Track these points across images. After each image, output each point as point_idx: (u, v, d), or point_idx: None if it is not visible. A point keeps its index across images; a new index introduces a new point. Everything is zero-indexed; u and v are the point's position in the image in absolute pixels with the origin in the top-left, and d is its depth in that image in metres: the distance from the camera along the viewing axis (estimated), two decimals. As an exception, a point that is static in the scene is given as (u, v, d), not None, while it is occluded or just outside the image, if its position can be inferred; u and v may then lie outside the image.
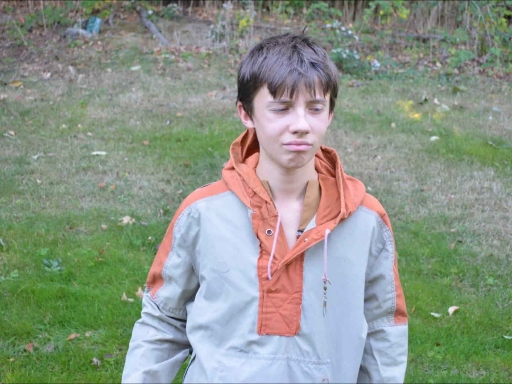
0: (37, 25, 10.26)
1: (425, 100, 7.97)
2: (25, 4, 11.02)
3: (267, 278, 1.62)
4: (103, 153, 6.18)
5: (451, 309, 3.96)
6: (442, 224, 5.05)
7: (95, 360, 3.40)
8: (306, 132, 1.57)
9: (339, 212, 1.65)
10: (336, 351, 1.68)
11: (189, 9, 11.35)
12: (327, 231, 1.61)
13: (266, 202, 1.65)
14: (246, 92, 1.63)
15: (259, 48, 1.62)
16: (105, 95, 7.80)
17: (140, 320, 1.82)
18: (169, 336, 1.79)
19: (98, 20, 10.25)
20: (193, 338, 1.72)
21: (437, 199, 5.46)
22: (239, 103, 1.68)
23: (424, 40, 10.38)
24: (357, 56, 9.10)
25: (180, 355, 1.81)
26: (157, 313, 1.79)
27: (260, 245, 1.63)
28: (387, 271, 1.75)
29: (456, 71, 9.17)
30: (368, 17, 9.73)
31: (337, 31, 9.73)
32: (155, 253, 4.51)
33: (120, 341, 3.58)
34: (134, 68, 8.76)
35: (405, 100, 8.00)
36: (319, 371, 1.66)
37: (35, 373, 3.30)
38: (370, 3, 9.74)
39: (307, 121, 1.57)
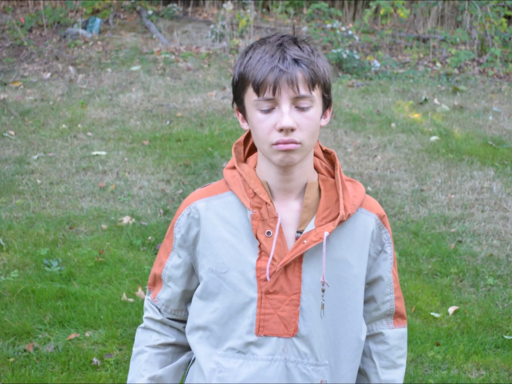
0: (37, 25, 10.26)
1: (425, 100, 7.97)
2: (25, 4, 11.02)
3: (265, 280, 1.62)
4: (103, 153, 6.18)
5: (451, 309, 3.96)
6: (442, 224, 5.05)
7: (95, 360, 3.40)
8: (292, 129, 1.57)
9: (338, 214, 1.65)
10: (335, 352, 1.68)
11: (189, 9, 11.36)
12: (326, 233, 1.61)
13: (266, 203, 1.64)
14: (237, 93, 1.66)
15: (248, 49, 1.65)
16: (105, 95, 7.80)
17: (142, 325, 1.82)
18: (172, 339, 1.79)
19: (98, 20, 10.25)
20: (192, 339, 1.73)
21: (437, 199, 5.46)
22: (235, 106, 1.70)
23: (424, 40, 10.38)
24: (357, 56, 9.10)
25: (184, 357, 1.81)
26: (158, 316, 1.79)
27: (259, 246, 1.63)
28: (386, 273, 1.75)
29: (456, 71, 9.17)
30: (368, 17, 9.73)
31: (337, 31, 9.73)
32: (155, 253, 4.52)
33: (120, 341, 3.58)
34: (134, 68, 8.76)
35: (405, 100, 8.00)
36: (317, 373, 1.66)
37: (35, 373, 3.30)
38: (371, 3, 9.74)
39: (292, 118, 1.56)
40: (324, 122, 1.68)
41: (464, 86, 8.56)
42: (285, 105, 1.56)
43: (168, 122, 7.03)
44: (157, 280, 1.80)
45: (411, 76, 8.97)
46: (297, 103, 1.58)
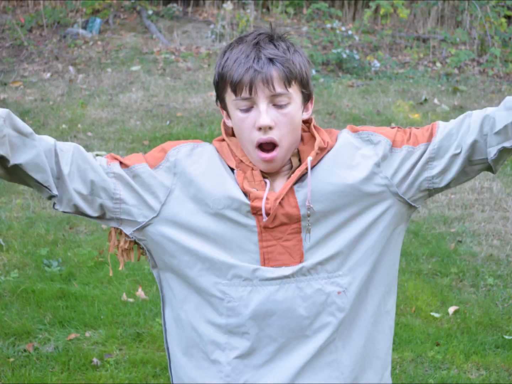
0: (37, 25, 10.26)
1: (425, 100, 7.97)
2: (25, 4, 11.01)
3: (262, 216, 1.62)
4: (103, 153, 6.18)
5: (451, 309, 3.96)
6: (442, 224, 5.05)
7: (95, 360, 3.40)
8: (270, 128, 1.60)
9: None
10: (348, 260, 1.65)
11: (189, 9, 11.36)
12: (309, 158, 1.62)
13: (252, 168, 1.66)
14: (218, 92, 1.69)
15: (226, 49, 1.67)
16: (105, 95, 7.80)
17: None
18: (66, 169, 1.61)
19: (98, 20, 10.25)
20: (191, 273, 1.66)
21: (437, 199, 5.46)
22: (219, 104, 1.72)
23: (424, 40, 10.38)
24: (357, 56, 9.10)
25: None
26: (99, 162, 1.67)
27: (249, 195, 1.62)
28: (404, 143, 1.68)
29: (456, 71, 9.16)
30: (368, 17, 9.73)
31: (337, 31, 9.73)
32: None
33: (120, 341, 3.58)
34: (134, 68, 8.76)
35: (405, 100, 8.00)
36: (332, 285, 1.63)
37: (35, 373, 3.30)
38: (370, 3, 9.74)
39: (269, 116, 1.59)
40: (306, 115, 1.70)
41: (464, 86, 8.56)
42: (262, 104, 1.60)
43: (168, 122, 7.03)
44: (123, 160, 1.70)
45: (411, 76, 8.97)
46: (274, 101, 1.61)
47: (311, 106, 1.72)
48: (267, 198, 1.61)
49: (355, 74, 8.97)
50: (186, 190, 1.66)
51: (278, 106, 1.61)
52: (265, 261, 1.62)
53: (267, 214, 1.61)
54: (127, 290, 4.04)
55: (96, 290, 4.04)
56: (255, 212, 1.62)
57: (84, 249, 4.49)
